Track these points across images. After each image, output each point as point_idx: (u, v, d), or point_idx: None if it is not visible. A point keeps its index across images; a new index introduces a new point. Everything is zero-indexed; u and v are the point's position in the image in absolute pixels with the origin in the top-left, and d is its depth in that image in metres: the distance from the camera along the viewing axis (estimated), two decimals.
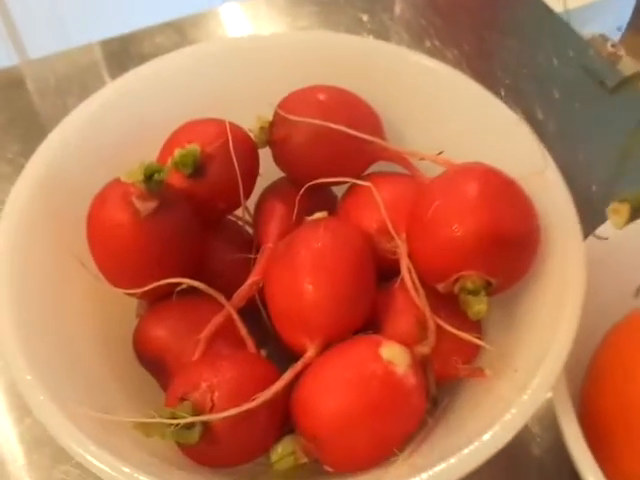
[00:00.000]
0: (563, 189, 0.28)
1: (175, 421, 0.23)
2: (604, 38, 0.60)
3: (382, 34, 0.53)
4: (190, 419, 0.23)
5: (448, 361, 0.27)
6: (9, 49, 0.91)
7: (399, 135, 0.33)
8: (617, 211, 0.19)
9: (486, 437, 0.22)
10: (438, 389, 0.28)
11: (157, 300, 0.30)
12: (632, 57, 0.61)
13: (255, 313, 0.29)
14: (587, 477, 0.24)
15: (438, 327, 0.26)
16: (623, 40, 0.68)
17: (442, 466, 0.22)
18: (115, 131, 0.32)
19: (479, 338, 0.27)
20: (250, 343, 0.28)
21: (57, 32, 0.95)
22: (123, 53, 0.52)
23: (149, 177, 0.26)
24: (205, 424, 0.24)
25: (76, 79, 0.49)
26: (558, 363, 0.24)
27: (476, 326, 0.28)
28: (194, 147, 0.29)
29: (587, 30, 0.61)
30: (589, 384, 0.28)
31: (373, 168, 0.33)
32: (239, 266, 0.31)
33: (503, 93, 0.48)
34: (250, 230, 0.34)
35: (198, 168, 0.30)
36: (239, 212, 0.33)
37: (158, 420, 0.23)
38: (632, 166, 0.41)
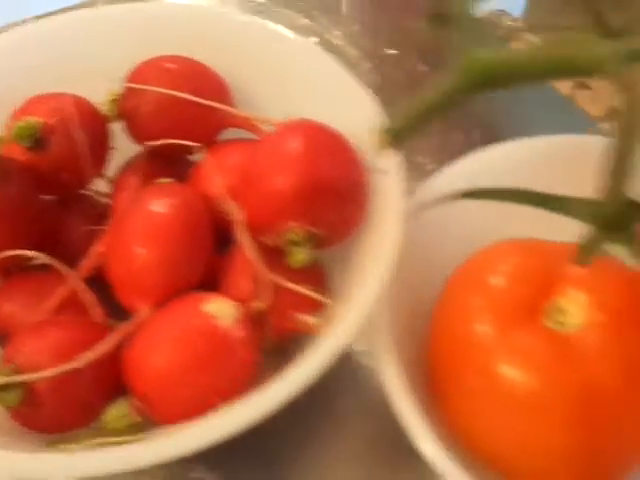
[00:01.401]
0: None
1: None
2: (503, 13, 0.60)
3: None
4: (7, 379, 0.23)
5: (288, 315, 0.27)
6: None
7: (251, 103, 0.33)
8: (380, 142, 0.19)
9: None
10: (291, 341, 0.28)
11: (7, 276, 0.30)
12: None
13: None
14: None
15: (278, 284, 0.27)
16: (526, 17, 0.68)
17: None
18: None
19: (322, 292, 0.27)
20: (97, 312, 0.28)
21: None
22: None
23: None
24: (27, 386, 0.24)
25: None
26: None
27: (320, 281, 0.29)
28: (34, 119, 0.29)
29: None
30: (432, 333, 0.28)
31: (227, 136, 0.33)
32: (91, 238, 0.31)
33: None
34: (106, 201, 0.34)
35: (39, 141, 0.30)
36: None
37: None
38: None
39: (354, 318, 0.24)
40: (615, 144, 0.18)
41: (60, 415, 0.25)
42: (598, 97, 0.47)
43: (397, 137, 0.19)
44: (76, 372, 0.24)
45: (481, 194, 0.22)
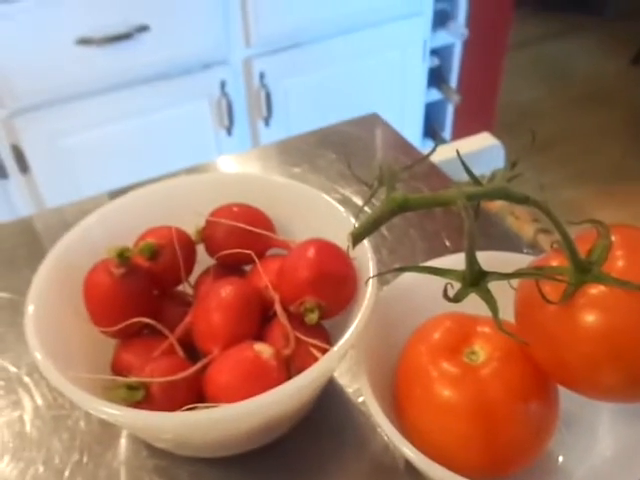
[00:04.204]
0: (367, 250, 0.45)
1: (127, 380, 0.39)
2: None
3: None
4: (135, 380, 0.40)
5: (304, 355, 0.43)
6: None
7: (284, 230, 0.52)
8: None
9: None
10: None
11: (128, 337, 0.47)
12: None
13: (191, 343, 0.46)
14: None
15: (297, 338, 0.43)
16: None
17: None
18: (104, 238, 0.50)
19: (328, 342, 0.44)
20: (181, 354, 0.45)
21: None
22: None
23: (120, 254, 0.44)
24: (147, 388, 0.40)
25: None
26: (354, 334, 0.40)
27: (326, 337, 0.45)
28: (151, 241, 0.48)
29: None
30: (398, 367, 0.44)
31: (270, 253, 0.51)
32: (182, 316, 0.48)
33: None
34: (191, 297, 0.51)
35: (154, 254, 0.48)
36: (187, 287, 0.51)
37: (125, 382, 0.40)
38: None
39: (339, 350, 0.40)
40: (467, 240, 0.35)
41: (164, 409, 0.41)
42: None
43: (356, 238, 0.36)
44: (176, 383, 0.41)
45: (406, 269, 0.38)
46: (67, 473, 0.45)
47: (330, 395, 0.49)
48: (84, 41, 1.16)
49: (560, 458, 0.44)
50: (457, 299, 0.36)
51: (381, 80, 1.54)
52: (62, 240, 0.48)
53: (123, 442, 0.48)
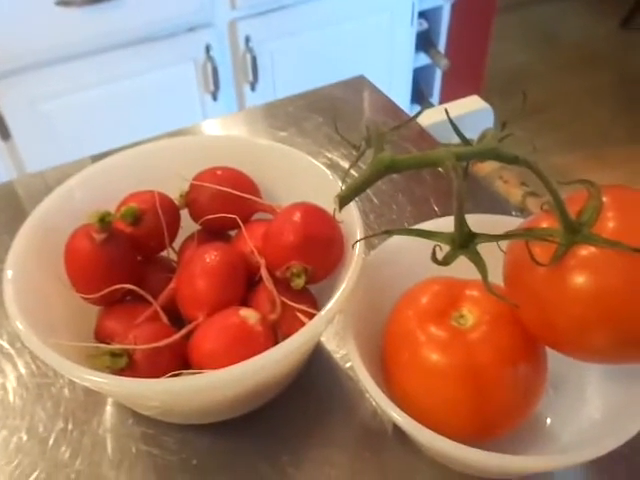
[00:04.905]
0: (355, 214, 0.44)
1: (110, 347, 0.39)
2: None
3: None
4: (118, 347, 0.39)
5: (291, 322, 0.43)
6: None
7: (270, 194, 0.51)
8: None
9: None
10: None
11: (110, 305, 0.46)
12: None
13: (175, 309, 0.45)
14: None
15: (284, 303, 0.43)
16: None
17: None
18: (85, 202, 0.49)
19: (312, 307, 0.43)
20: (165, 320, 0.44)
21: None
22: None
23: (101, 219, 0.43)
24: (130, 355, 0.39)
25: None
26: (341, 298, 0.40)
27: (313, 302, 0.44)
28: (134, 206, 0.47)
29: None
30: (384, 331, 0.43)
31: (256, 217, 0.50)
32: (166, 283, 0.47)
33: None
34: (175, 263, 0.50)
35: (136, 219, 0.47)
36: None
37: (108, 349, 0.39)
38: None
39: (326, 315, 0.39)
40: (456, 201, 0.34)
41: (148, 376, 0.40)
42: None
43: (343, 201, 0.35)
44: (160, 349, 0.40)
45: (394, 231, 0.38)
46: (51, 441, 0.45)
47: (318, 360, 0.49)
48: (64, 2, 1.13)
49: (548, 420, 0.44)
50: (446, 262, 0.35)
51: (369, 44, 1.51)
52: (42, 204, 0.47)
53: (109, 409, 0.47)
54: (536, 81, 2.27)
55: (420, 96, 1.75)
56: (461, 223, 0.35)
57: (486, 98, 1.18)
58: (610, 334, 0.35)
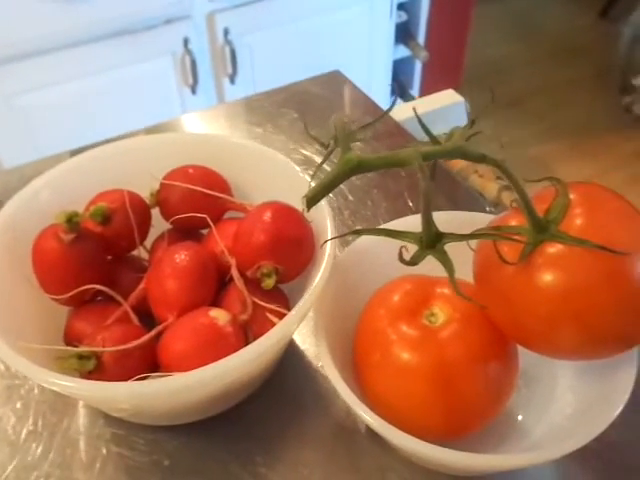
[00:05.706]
0: (326, 213, 0.44)
1: (78, 350, 0.38)
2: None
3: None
4: (86, 350, 0.39)
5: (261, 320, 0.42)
6: None
7: (242, 192, 0.50)
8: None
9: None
10: None
11: (80, 305, 0.46)
12: None
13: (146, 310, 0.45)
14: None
15: (254, 303, 0.42)
16: None
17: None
18: (53, 201, 0.48)
19: (283, 307, 0.43)
20: (136, 321, 0.44)
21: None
22: None
23: (69, 220, 0.42)
24: (98, 358, 0.39)
25: None
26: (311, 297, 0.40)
27: (284, 301, 0.44)
28: (103, 205, 0.46)
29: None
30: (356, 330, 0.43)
31: (227, 216, 0.50)
32: (137, 283, 0.47)
33: None
34: (146, 262, 0.50)
35: (106, 219, 0.46)
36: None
37: (75, 352, 0.38)
38: None
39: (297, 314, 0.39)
40: (423, 201, 0.34)
41: (116, 379, 0.40)
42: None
43: (310, 201, 0.35)
44: (129, 351, 0.39)
45: (363, 231, 0.37)
46: (21, 442, 0.44)
47: (290, 360, 0.49)
48: None
49: (519, 417, 0.44)
50: (413, 262, 0.35)
51: (348, 36, 1.51)
52: (9, 203, 0.46)
53: (80, 411, 0.47)
54: (516, 72, 2.28)
55: (400, 88, 1.74)
56: (429, 223, 0.34)
57: (466, 90, 1.18)
58: (579, 331, 0.36)
